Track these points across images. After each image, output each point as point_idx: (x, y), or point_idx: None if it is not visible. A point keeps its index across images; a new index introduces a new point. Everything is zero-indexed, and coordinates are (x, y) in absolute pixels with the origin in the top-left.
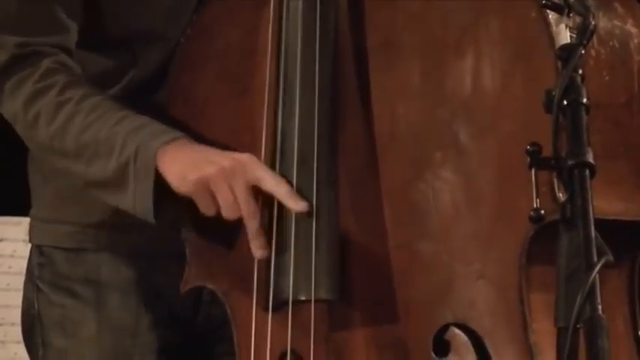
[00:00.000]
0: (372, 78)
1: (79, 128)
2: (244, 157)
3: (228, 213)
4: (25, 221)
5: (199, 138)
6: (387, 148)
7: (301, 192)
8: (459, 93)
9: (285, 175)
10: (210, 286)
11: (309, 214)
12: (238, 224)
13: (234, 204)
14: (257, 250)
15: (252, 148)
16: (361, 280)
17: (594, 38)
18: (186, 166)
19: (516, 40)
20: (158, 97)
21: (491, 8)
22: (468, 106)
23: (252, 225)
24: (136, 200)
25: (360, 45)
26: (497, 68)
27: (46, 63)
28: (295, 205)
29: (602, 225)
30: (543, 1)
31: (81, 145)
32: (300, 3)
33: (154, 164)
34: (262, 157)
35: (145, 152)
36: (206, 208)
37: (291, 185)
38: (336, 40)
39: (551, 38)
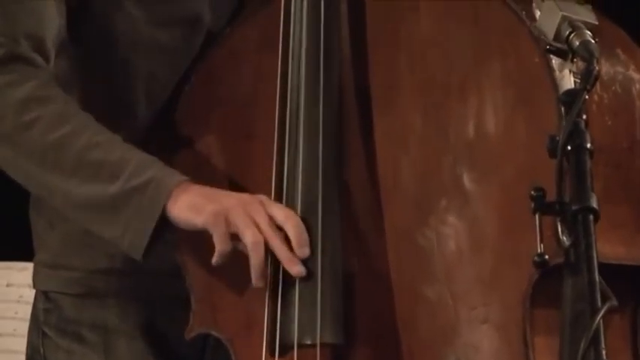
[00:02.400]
0: (375, 121)
1: (85, 144)
2: (260, 195)
3: (249, 238)
4: (31, 266)
5: (205, 183)
6: (390, 192)
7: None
8: (461, 137)
9: None
10: (215, 333)
11: (313, 256)
12: (241, 271)
13: (259, 237)
14: (293, 268)
15: (257, 192)
16: (366, 322)
17: (597, 83)
18: (201, 199)
19: (518, 84)
20: (165, 140)
21: (494, 52)
22: (470, 150)
23: (281, 250)
24: (128, 231)
25: (363, 88)
26: (499, 112)
27: (42, 74)
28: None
29: (605, 268)
30: (548, 47)
31: (83, 162)
32: (304, 48)
33: (164, 200)
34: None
35: (159, 186)
36: (222, 243)
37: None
38: (339, 84)
39: (553, 82)
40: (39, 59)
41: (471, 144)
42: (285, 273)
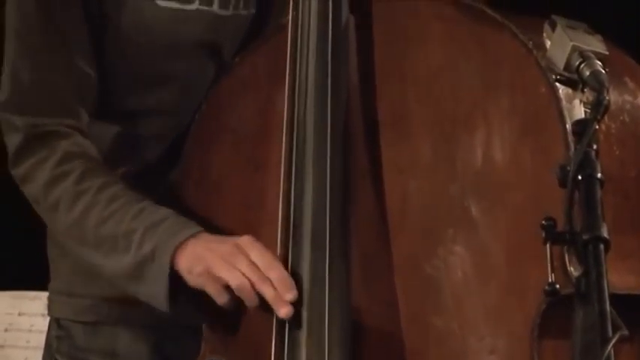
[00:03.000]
0: (383, 152)
1: (97, 221)
2: (243, 240)
3: (240, 290)
4: (43, 295)
5: (214, 213)
6: (398, 223)
7: (314, 267)
8: (469, 167)
9: (298, 251)
10: None
11: (321, 288)
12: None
13: (243, 279)
14: (281, 310)
15: (265, 224)
16: (374, 353)
17: None
18: (192, 260)
19: (526, 115)
20: (174, 174)
21: (501, 82)
22: (478, 180)
23: (267, 290)
24: (152, 295)
25: (371, 119)
26: (507, 142)
27: (63, 146)
28: (276, 296)
29: (615, 298)
30: (558, 76)
31: (99, 237)
32: (312, 79)
33: (169, 265)
34: (278, 232)
35: (162, 252)
36: (219, 297)
37: (305, 262)
38: (347, 115)
39: (560, 113)
40: (63, 124)
41: (479, 174)
42: (292, 303)
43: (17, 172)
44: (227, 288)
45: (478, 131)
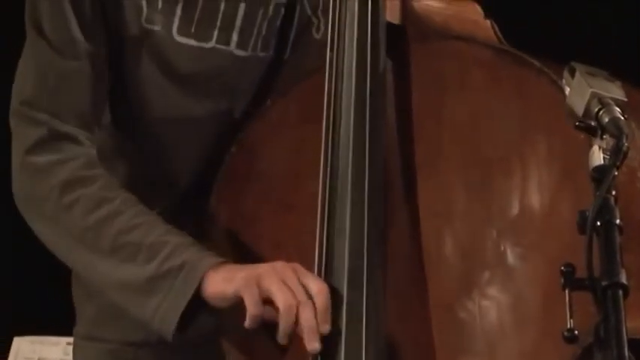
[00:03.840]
0: (419, 194)
1: (122, 227)
2: (292, 263)
3: (285, 309)
4: (63, 341)
5: (244, 253)
6: (433, 265)
7: (351, 307)
8: (505, 212)
9: (334, 291)
10: None
11: (358, 328)
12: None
13: (292, 300)
14: (313, 343)
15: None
16: None
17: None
18: (233, 271)
19: (563, 159)
20: (203, 214)
21: (539, 127)
22: (514, 225)
23: (308, 316)
24: (160, 312)
25: (408, 162)
26: (544, 188)
27: (88, 152)
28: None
29: (633, 343)
30: (577, 123)
31: (120, 244)
32: (350, 122)
33: (197, 281)
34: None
35: (193, 269)
36: (253, 303)
37: (341, 301)
38: (384, 156)
39: None
40: (83, 135)
41: (515, 219)
42: (329, 336)
43: (34, 160)
44: (266, 301)
45: (515, 176)
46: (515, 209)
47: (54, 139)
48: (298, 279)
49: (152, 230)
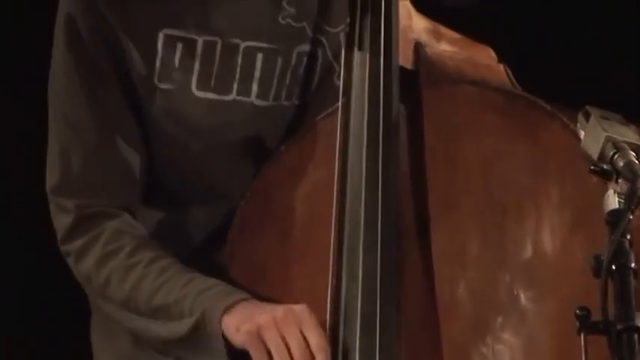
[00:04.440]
0: (433, 240)
1: (149, 291)
2: (298, 307)
3: None
4: None
5: (259, 298)
6: (447, 309)
7: (364, 353)
8: (519, 257)
9: (348, 337)
10: None
11: None
12: None
13: (287, 353)
14: None
15: (311, 309)
16: None
17: None
18: (242, 318)
19: (577, 205)
20: (219, 258)
21: (552, 173)
22: (528, 269)
23: None
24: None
25: (421, 207)
26: (557, 233)
27: (111, 225)
28: None
29: None
30: (592, 167)
31: (153, 307)
32: (363, 168)
33: (220, 329)
34: (326, 320)
35: (212, 314)
36: (258, 358)
37: (354, 348)
38: (397, 200)
39: None
40: (110, 206)
41: (529, 263)
42: None
43: (68, 250)
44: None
45: (528, 221)
46: (528, 253)
47: (81, 223)
48: (300, 333)
49: (174, 286)
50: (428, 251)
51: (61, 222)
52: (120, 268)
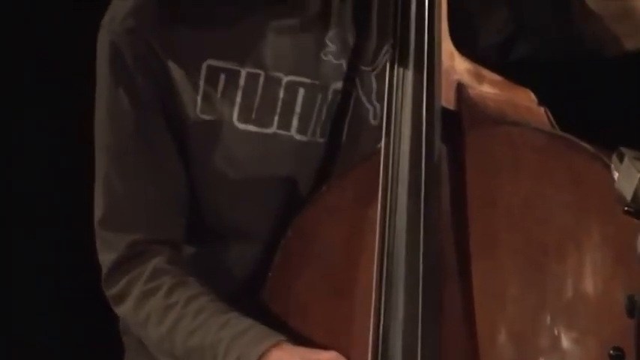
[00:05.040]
0: (474, 279)
1: (185, 333)
2: (329, 355)
3: None
4: None
5: (298, 337)
6: (487, 350)
7: None
8: (559, 296)
9: None
10: None
11: None
12: None
13: None
14: None
15: (351, 349)
16: None
17: None
18: None
19: (618, 245)
20: (260, 295)
21: (593, 213)
22: (569, 309)
23: None
24: None
25: (462, 246)
26: (598, 271)
27: (153, 262)
28: None
29: None
30: (625, 208)
31: (188, 349)
32: (407, 204)
33: None
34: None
35: None
36: None
37: None
38: (439, 240)
39: None
40: (151, 244)
41: (570, 303)
42: None
43: (111, 292)
44: None
45: (569, 261)
46: (569, 293)
47: (124, 261)
48: None
49: (210, 328)
50: (468, 291)
51: (106, 257)
52: (158, 309)
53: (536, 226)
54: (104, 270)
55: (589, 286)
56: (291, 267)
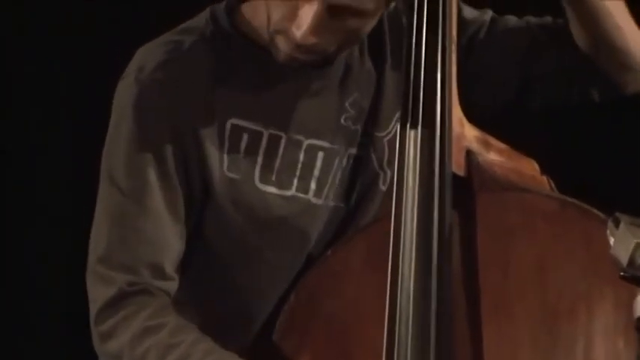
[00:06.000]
0: (485, 342)
1: None
2: None
3: None
4: None
5: None
6: None
7: None
8: (571, 359)
9: None
10: None
11: None
12: None
13: None
14: None
15: None
16: None
17: None
18: None
19: (629, 309)
20: (264, 356)
21: (605, 277)
22: None
23: None
24: None
25: (474, 310)
26: (610, 336)
27: (156, 302)
28: None
29: None
30: (622, 273)
31: None
32: (417, 270)
33: None
34: None
35: None
36: None
37: None
38: (450, 305)
39: None
40: (156, 285)
41: None
42: None
43: (102, 328)
44: None
45: (580, 325)
46: (580, 357)
47: (122, 298)
48: None
49: None
50: (480, 356)
51: (101, 293)
52: (160, 347)
53: (547, 290)
54: (98, 304)
55: (600, 350)
56: (295, 330)
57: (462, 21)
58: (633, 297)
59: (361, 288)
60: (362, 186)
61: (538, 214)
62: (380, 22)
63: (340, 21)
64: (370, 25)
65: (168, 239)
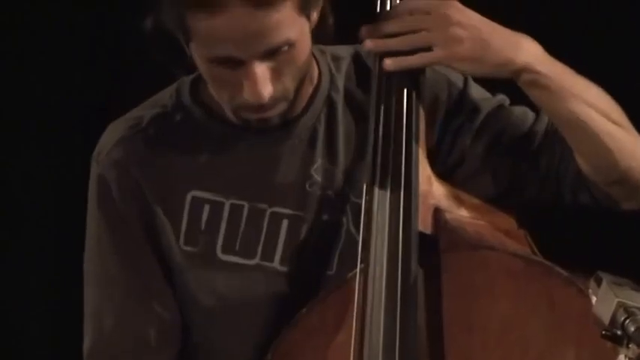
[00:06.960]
0: None
1: None
2: None
3: None
4: None
5: None
6: None
7: None
8: None
9: None
10: None
11: None
12: None
13: None
14: None
15: None
16: None
17: None
18: None
19: None
20: None
21: (569, 339)
22: None
23: None
24: None
25: None
26: None
27: None
28: None
29: None
30: (603, 332)
31: None
32: (382, 327)
33: None
34: None
35: None
36: None
37: None
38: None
39: None
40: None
41: None
42: None
43: None
44: None
45: None
46: None
47: None
48: None
49: None
50: None
51: None
52: None
53: (512, 349)
54: None
55: None
56: None
57: (466, 99)
58: (596, 356)
59: (334, 347)
60: (342, 252)
61: (503, 273)
62: (357, 81)
63: (277, 60)
64: (307, 47)
65: (152, 317)
